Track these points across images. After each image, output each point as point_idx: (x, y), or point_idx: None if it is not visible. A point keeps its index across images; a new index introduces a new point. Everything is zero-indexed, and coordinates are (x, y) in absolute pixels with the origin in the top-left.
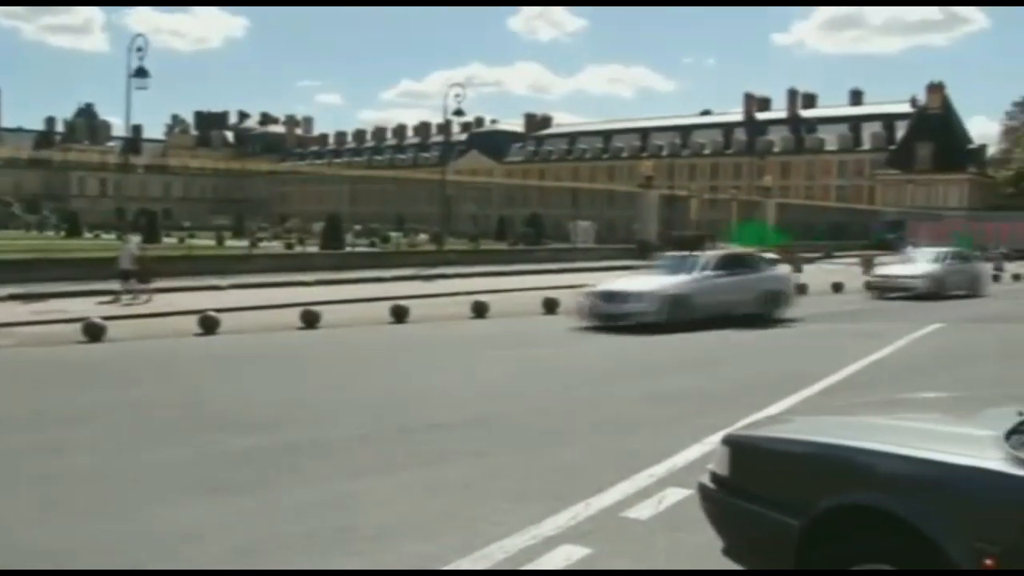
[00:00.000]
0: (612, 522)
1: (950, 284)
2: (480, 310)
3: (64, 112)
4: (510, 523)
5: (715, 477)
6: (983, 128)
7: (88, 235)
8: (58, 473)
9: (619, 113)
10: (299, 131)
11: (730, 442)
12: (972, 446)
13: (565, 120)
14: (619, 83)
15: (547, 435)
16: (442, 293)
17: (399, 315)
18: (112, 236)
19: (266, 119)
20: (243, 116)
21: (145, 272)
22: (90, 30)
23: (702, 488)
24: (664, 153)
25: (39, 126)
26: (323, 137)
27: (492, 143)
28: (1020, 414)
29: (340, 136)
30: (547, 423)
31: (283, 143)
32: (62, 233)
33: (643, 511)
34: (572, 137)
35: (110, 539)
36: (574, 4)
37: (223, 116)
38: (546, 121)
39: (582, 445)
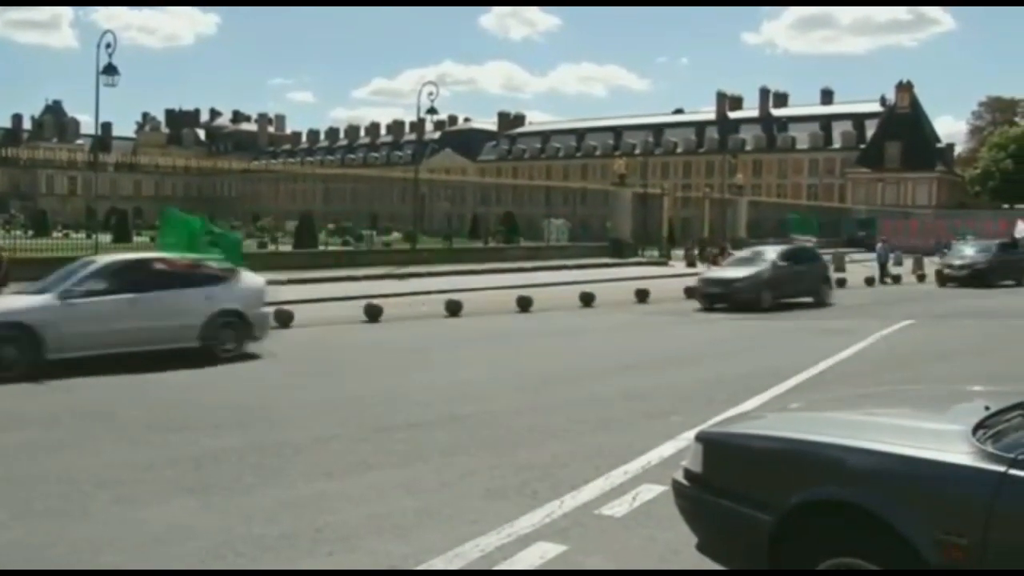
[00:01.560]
0: (587, 519)
1: None
2: (454, 309)
3: (31, 109)
4: (486, 521)
5: (688, 474)
6: (950, 127)
7: (57, 234)
8: (27, 476)
9: (593, 112)
10: (271, 129)
11: (703, 439)
12: (940, 440)
13: (538, 119)
14: (593, 82)
15: (523, 433)
16: (416, 292)
17: (373, 314)
18: (82, 235)
19: (238, 117)
20: (215, 114)
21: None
22: (58, 26)
23: (676, 485)
24: (637, 152)
25: (5, 123)
26: (296, 135)
27: (465, 142)
28: (987, 409)
29: (313, 134)
30: (523, 421)
31: (255, 141)
32: (30, 232)
33: (618, 508)
34: (545, 136)
35: (82, 541)
36: (547, 4)
37: (194, 114)
38: (519, 120)
39: (557, 443)
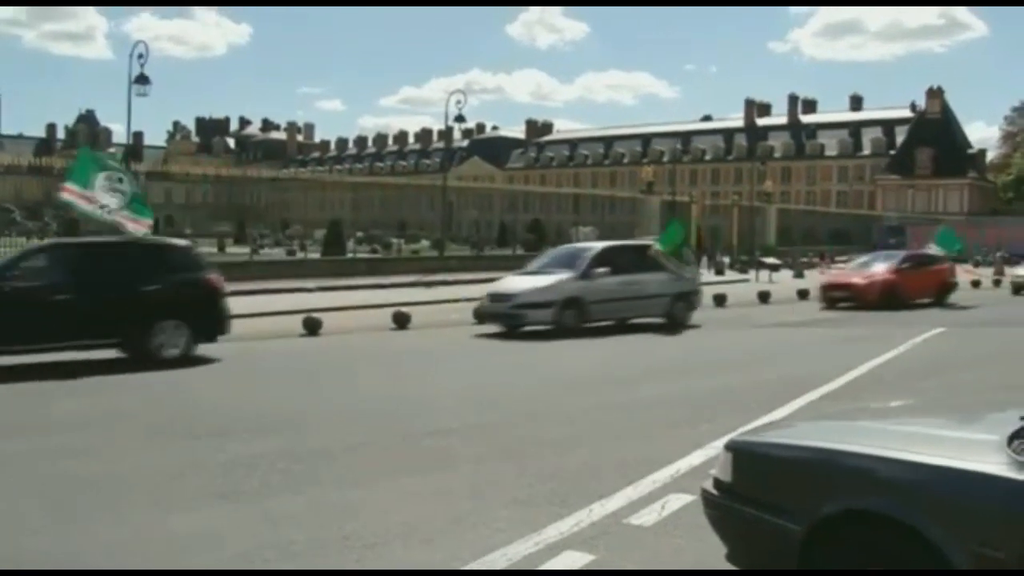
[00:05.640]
0: (616, 528)
1: None
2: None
3: (65, 119)
4: (514, 530)
5: (718, 483)
6: (982, 133)
7: None
8: (60, 479)
9: (622, 119)
10: (300, 137)
11: (733, 448)
12: (974, 450)
13: (566, 126)
14: (621, 89)
15: (548, 440)
16: (444, 299)
17: (401, 322)
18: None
19: (267, 125)
20: (244, 123)
21: None
22: (92, 37)
23: (705, 494)
24: (665, 159)
25: (40, 133)
26: (324, 144)
27: (493, 149)
28: (1022, 419)
29: (341, 142)
30: (548, 428)
31: (284, 149)
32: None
33: (646, 517)
34: (573, 143)
35: (114, 545)
36: (574, 4)
37: (224, 123)
38: (547, 127)
39: (584, 450)
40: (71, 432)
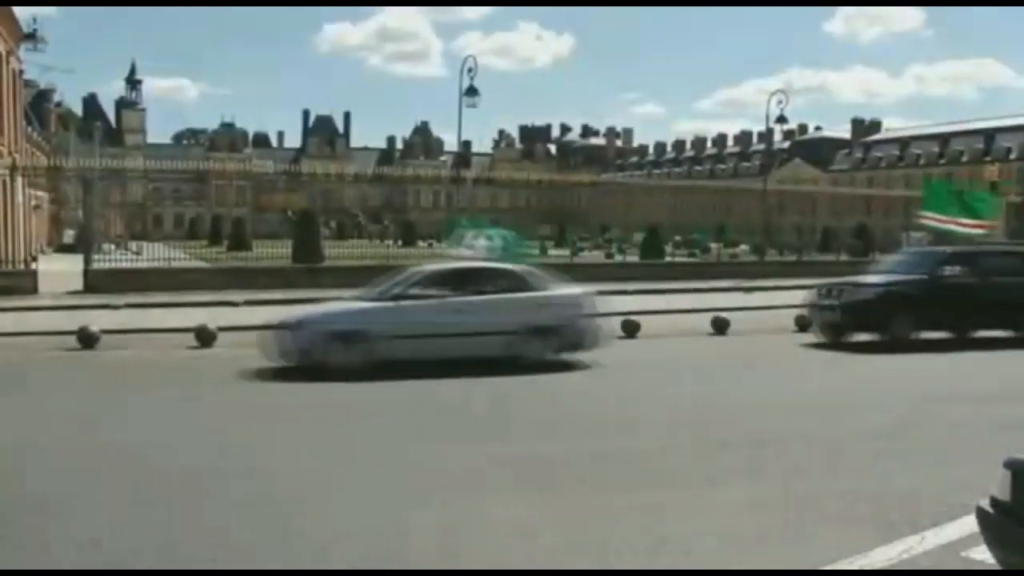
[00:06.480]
0: (950, 560)
1: None
2: (803, 324)
3: (403, 131)
4: (836, 550)
5: (995, 501)
6: None
7: (422, 243)
8: (398, 462)
9: (961, 115)
10: (619, 143)
11: (1013, 466)
12: None
13: (896, 124)
14: (959, 81)
15: (884, 456)
16: (763, 306)
17: (720, 327)
18: (443, 245)
19: (587, 131)
20: (564, 129)
21: None
22: (428, 56)
23: (980, 512)
24: (1012, 156)
25: (382, 144)
26: (642, 148)
27: (816, 151)
28: None
29: (659, 147)
30: (885, 444)
31: (603, 155)
32: (399, 242)
33: (986, 553)
34: (904, 142)
35: (431, 529)
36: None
37: (546, 129)
38: (875, 126)
39: (913, 470)
40: (399, 416)
